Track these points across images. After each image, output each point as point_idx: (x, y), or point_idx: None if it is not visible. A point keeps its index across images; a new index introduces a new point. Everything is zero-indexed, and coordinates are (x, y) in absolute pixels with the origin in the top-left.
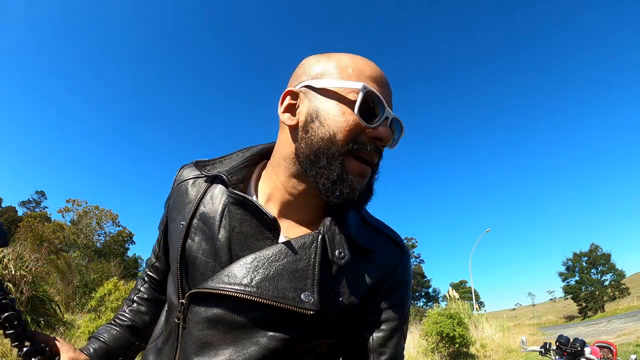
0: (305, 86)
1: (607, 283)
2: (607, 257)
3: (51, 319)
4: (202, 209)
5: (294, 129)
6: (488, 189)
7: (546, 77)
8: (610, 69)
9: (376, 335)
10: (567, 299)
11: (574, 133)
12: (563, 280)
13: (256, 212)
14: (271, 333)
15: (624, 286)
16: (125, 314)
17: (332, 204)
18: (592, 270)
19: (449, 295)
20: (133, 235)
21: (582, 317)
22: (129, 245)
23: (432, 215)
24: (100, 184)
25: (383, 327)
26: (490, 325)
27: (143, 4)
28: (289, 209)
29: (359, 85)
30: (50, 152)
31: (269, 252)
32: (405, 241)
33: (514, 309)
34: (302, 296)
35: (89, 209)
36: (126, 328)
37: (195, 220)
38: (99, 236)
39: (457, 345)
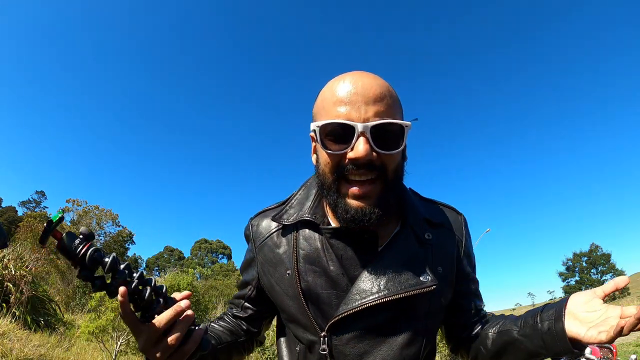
0: (313, 129)
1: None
2: (607, 257)
3: (51, 319)
4: (302, 253)
5: (316, 169)
6: (488, 189)
7: (546, 77)
8: (611, 68)
9: (471, 284)
10: None
11: (574, 133)
12: (563, 280)
13: (355, 236)
14: (411, 317)
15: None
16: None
17: (346, 223)
18: (592, 270)
19: None
20: (133, 235)
21: None
22: (129, 245)
23: None
24: (100, 184)
25: (472, 276)
26: None
27: (144, 4)
28: None
29: (313, 126)
30: (50, 152)
31: (380, 260)
32: None
33: (514, 309)
34: (421, 279)
35: (89, 209)
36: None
37: (300, 265)
38: (99, 236)
39: None
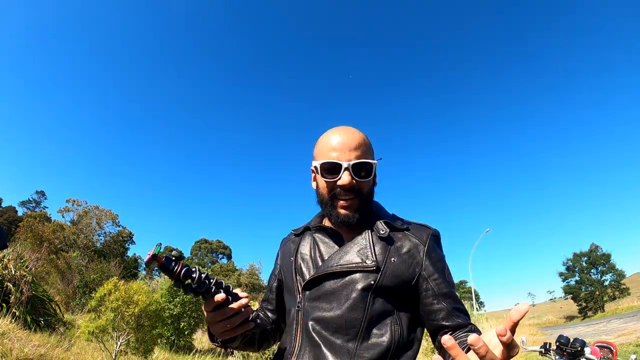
0: (314, 165)
1: (607, 283)
2: (607, 257)
3: (51, 318)
4: (300, 248)
5: (316, 192)
6: (488, 189)
7: (547, 75)
8: (611, 68)
9: (434, 283)
10: (567, 299)
11: (574, 132)
12: (563, 280)
13: (327, 230)
14: (356, 287)
15: (624, 286)
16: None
17: (337, 225)
18: (592, 270)
19: None
20: (133, 235)
21: (582, 317)
22: (129, 245)
23: (431, 215)
24: (100, 184)
25: (436, 276)
26: (491, 325)
27: (141, 6)
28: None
29: (315, 163)
30: (50, 152)
31: (343, 248)
32: None
33: None
34: (366, 261)
35: (89, 209)
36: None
37: (298, 255)
38: (99, 236)
39: None
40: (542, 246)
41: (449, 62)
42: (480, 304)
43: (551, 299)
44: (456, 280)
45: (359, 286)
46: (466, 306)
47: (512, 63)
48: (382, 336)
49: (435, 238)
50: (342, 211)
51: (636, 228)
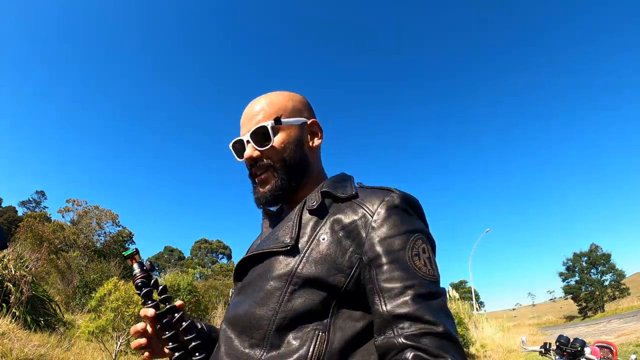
0: None
1: (607, 283)
2: (607, 257)
3: (51, 319)
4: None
5: None
6: (488, 189)
7: (546, 76)
8: (610, 68)
9: (377, 271)
10: (567, 299)
11: (574, 132)
12: (563, 280)
13: (267, 213)
14: (270, 275)
15: (624, 286)
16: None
17: (258, 207)
18: (592, 270)
19: (449, 295)
20: (133, 235)
21: (582, 317)
22: (129, 245)
23: (431, 215)
24: (100, 184)
25: (383, 260)
26: (490, 325)
27: (144, 7)
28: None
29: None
30: (50, 152)
31: (273, 229)
32: None
33: (514, 309)
34: (283, 239)
35: (89, 209)
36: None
37: (255, 240)
38: (99, 236)
39: None
40: (542, 246)
41: (450, 63)
42: (481, 304)
43: (551, 299)
44: (456, 280)
45: (274, 274)
46: (466, 306)
47: (515, 62)
48: (299, 348)
49: (393, 204)
50: (258, 188)
51: (636, 228)
